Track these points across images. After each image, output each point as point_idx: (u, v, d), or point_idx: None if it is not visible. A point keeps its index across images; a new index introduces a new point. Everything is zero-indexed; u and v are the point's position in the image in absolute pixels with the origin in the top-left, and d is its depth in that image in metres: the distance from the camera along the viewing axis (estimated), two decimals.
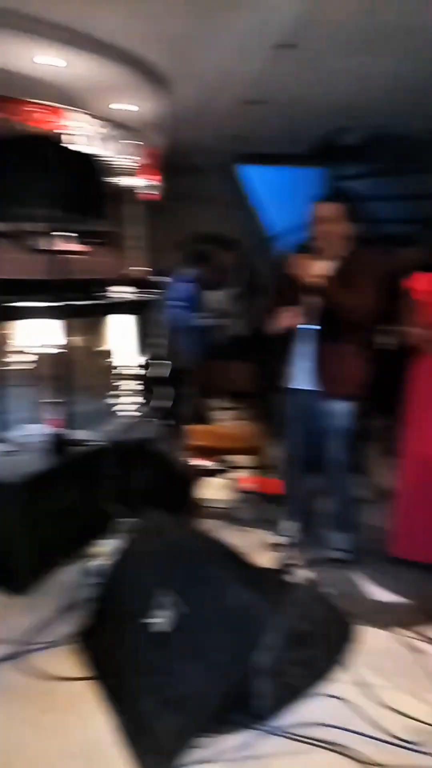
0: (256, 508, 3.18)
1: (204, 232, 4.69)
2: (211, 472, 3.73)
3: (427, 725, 1.78)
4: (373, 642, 2.14)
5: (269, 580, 2.14)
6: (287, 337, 2.58)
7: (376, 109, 4.70)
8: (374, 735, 1.74)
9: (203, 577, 1.89)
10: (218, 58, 3.57)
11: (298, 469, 2.86)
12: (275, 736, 1.74)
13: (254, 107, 4.48)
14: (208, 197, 6.50)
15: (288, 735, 1.74)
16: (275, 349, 2.61)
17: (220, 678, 1.74)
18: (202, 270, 4.33)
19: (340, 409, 2.62)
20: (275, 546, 2.77)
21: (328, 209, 2.50)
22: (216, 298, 4.34)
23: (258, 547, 2.78)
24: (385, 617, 2.30)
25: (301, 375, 2.60)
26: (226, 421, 4.27)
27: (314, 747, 1.70)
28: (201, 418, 3.91)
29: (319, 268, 2.48)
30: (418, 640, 2.18)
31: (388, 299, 2.56)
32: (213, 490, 3.52)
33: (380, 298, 2.50)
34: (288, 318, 2.49)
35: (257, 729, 1.75)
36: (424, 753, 1.68)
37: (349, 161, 6.09)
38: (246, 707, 1.78)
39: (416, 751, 1.69)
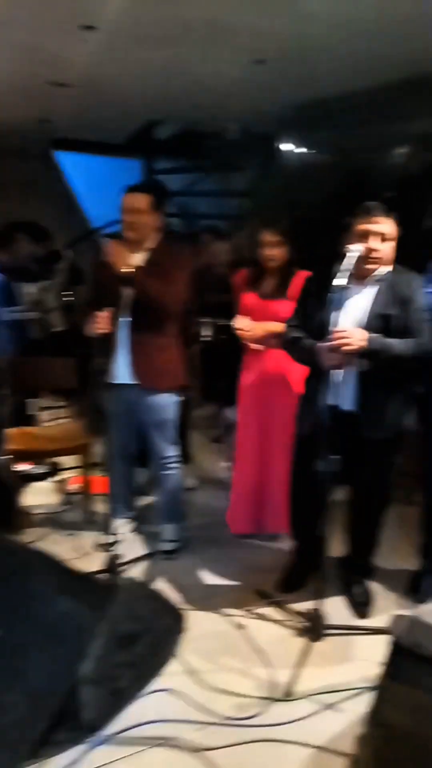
0: (83, 510, 3.07)
1: (13, 220, 4.37)
2: (36, 477, 3.53)
3: (253, 698, 1.87)
4: (201, 627, 2.19)
5: (92, 585, 2.06)
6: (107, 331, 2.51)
7: (185, 105, 4.78)
8: (204, 720, 1.78)
9: (18, 594, 1.75)
10: (20, 33, 3.33)
11: (124, 464, 2.82)
12: (106, 745, 1.68)
13: (60, 90, 4.28)
14: (24, 183, 6.11)
15: (118, 740, 1.70)
16: (96, 344, 2.52)
17: (43, 700, 1.62)
18: (6, 259, 4.02)
19: (161, 401, 2.62)
20: (104, 546, 2.69)
21: (136, 200, 2.47)
22: (30, 290, 4.08)
23: (87, 550, 2.69)
24: (214, 601, 2.37)
25: (122, 369, 2.55)
26: (50, 421, 4.07)
27: (146, 747, 1.69)
28: (22, 420, 3.65)
29: (131, 259, 2.45)
30: (244, 617, 2.28)
31: (198, 291, 2.61)
32: (39, 496, 3.33)
33: (190, 289, 2.55)
34: (101, 323, 2.42)
35: (87, 742, 1.68)
36: (252, 726, 1.76)
37: (163, 155, 6.15)
38: (75, 721, 1.70)
39: (245, 725, 1.76)
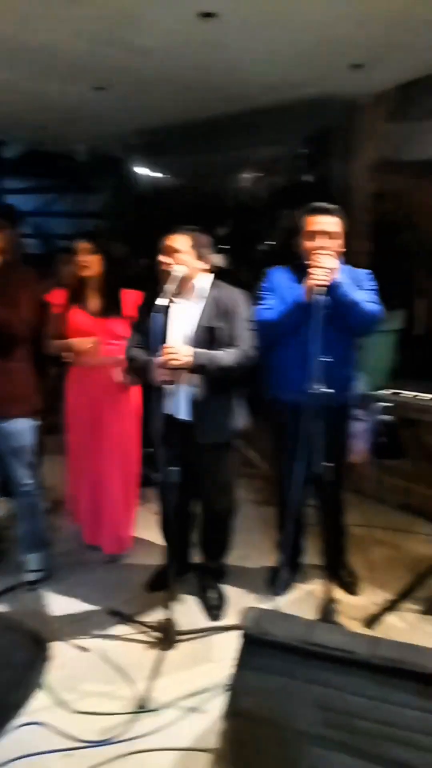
0: None
1: None
2: None
3: (120, 716, 1.88)
4: (65, 655, 2.16)
5: None
6: None
7: (29, 125, 4.73)
8: (70, 746, 1.76)
9: None
10: None
11: None
12: None
13: None
14: None
15: None
16: None
17: None
18: None
19: (16, 428, 2.55)
20: None
21: None
22: None
23: None
24: (77, 626, 2.34)
25: None
26: None
27: None
28: None
29: None
30: (103, 639, 2.28)
31: (42, 314, 2.60)
32: None
33: (38, 312, 2.53)
34: None
35: None
36: (120, 742, 1.78)
37: (11, 175, 6.00)
38: None
39: (112, 743, 1.77)
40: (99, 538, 2.84)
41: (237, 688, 1.58)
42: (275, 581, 2.60)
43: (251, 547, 2.96)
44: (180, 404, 2.26)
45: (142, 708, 1.90)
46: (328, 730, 1.45)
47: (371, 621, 2.37)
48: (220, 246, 6.20)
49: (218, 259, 6.14)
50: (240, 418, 2.42)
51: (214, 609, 2.47)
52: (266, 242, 5.44)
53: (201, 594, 2.54)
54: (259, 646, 1.58)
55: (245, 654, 1.60)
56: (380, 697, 1.45)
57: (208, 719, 1.85)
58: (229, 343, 2.26)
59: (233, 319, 2.28)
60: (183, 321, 2.28)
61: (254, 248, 5.64)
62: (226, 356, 2.22)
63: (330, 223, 2.35)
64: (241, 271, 4.83)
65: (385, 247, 4.95)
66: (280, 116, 4.51)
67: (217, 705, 1.86)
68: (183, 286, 2.23)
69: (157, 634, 2.22)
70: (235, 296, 2.34)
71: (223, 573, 2.62)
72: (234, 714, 1.56)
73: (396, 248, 5.43)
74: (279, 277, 2.50)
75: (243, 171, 5.87)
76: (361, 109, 4.14)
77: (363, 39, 3.17)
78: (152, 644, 2.21)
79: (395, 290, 5.35)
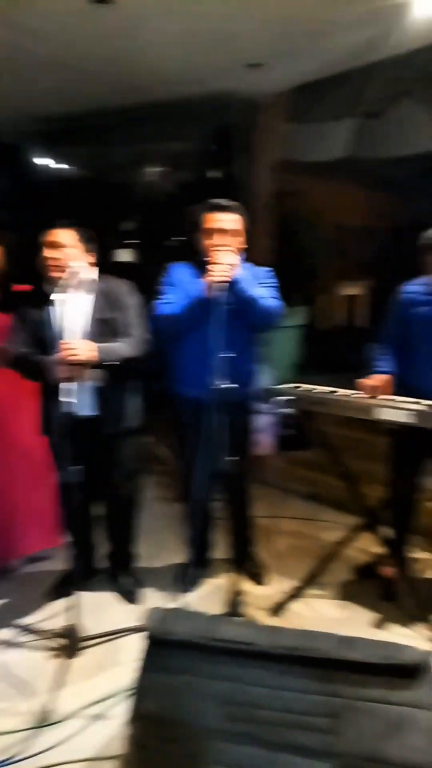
0: None
1: None
2: None
3: (21, 732, 1.80)
4: None
5: None
6: None
7: None
8: None
9: None
10: None
11: None
12: None
13: None
14: None
15: None
16: None
17: None
18: None
19: None
20: None
21: None
22: None
23: None
24: None
25: None
26: None
27: None
28: None
29: None
30: (4, 652, 2.18)
31: None
32: None
33: None
34: None
35: None
36: (22, 760, 1.69)
37: None
38: None
39: (10, 763, 1.68)
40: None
41: (141, 690, 1.55)
42: (184, 578, 2.60)
43: (160, 545, 2.94)
44: (82, 400, 2.20)
45: (44, 721, 1.82)
46: (231, 723, 1.46)
47: (277, 609, 2.43)
48: (127, 241, 6.11)
49: (125, 254, 6.04)
50: (139, 406, 2.45)
51: (129, 594, 2.50)
52: (174, 238, 5.42)
53: (114, 583, 2.55)
54: (163, 647, 1.56)
55: (149, 655, 1.57)
56: (281, 685, 1.48)
57: (113, 726, 1.80)
58: (123, 333, 2.27)
59: (124, 309, 2.31)
60: (76, 315, 2.22)
61: (162, 244, 5.60)
62: (124, 347, 2.23)
63: (229, 220, 2.36)
64: (148, 267, 4.79)
65: (288, 245, 5.09)
66: (183, 111, 4.49)
67: (122, 710, 1.82)
68: (73, 280, 2.18)
69: (60, 641, 2.14)
70: (122, 287, 2.36)
71: (132, 557, 2.63)
72: (138, 717, 1.53)
73: (298, 246, 5.61)
74: (180, 272, 2.48)
75: (149, 165, 5.80)
76: (261, 109, 4.22)
77: (261, 38, 3.22)
78: (56, 652, 2.13)
79: (298, 287, 5.55)
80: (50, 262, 2.23)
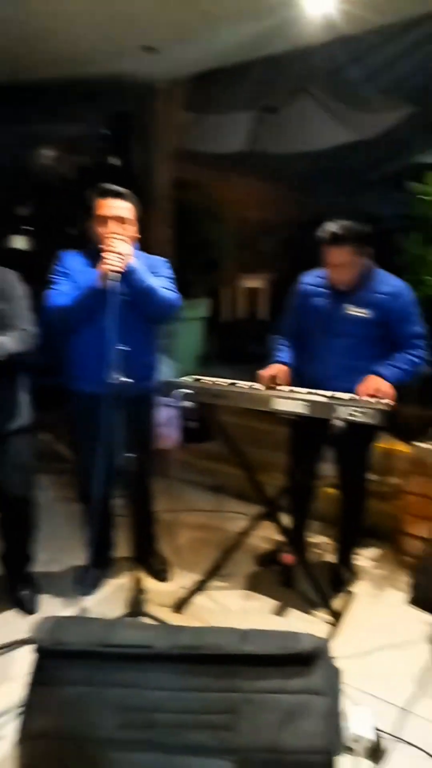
0: None
1: None
2: None
3: None
4: None
5: None
6: None
7: None
8: None
9: None
10: None
11: None
12: None
13: None
14: None
15: None
16: None
17: None
18: None
19: None
20: None
21: None
22: None
23: None
24: None
25: None
26: None
27: None
28: None
29: None
30: None
31: None
32: None
33: None
34: None
35: None
36: None
37: None
38: None
39: None
40: None
41: (29, 707, 1.45)
42: (84, 581, 2.50)
43: (59, 548, 2.81)
44: None
45: None
46: (128, 731, 1.41)
47: (180, 605, 2.40)
48: (21, 227, 5.77)
49: (19, 241, 5.71)
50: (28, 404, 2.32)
51: (26, 602, 2.37)
52: (72, 225, 5.20)
53: (9, 590, 2.41)
54: (54, 658, 1.47)
55: (38, 669, 1.48)
56: (179, 686, 1.45)
57: (3, 747, 1.68)
58: (10, 326, 2.11)
59: (11, 300, 2.15)
60: None
61: (60, 231, 5.35)
62: (10, 341, 2.07)
63: (121, 207, 2.27)
64: (44, 255, 4.55)
65: (188, 236, 5.06)
66: (79, 92, 4.30)
67: (13, 728, 1.71)
68: None
69: None
70: (9, 276, 2.20)
71: (29, 562, 2.48)
72: (27, 737, 1.44)
73: (198, 238, 5.59)
74: (73, 261, 2.36)
75: (45, 147, 5.52)
76: (158, 96, 4.13)
77: (158, 21, 3.14)
78: None
79: (200, 279, 5.54)
80: None
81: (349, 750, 1.66)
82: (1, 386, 2.17)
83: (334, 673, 1.54)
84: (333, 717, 1.44)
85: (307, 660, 1.46)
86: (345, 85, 4.28)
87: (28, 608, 2.35)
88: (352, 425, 2.02)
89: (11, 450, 2.27)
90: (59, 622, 1.56)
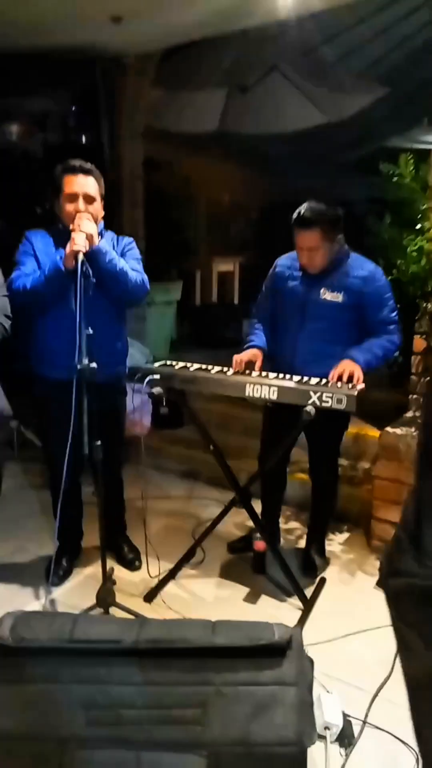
0: None
1: None
2: None
3: None
4: None
5: None
6: None
7: None
8: None
9: None
10: None
11: None
12: None
13: None
14: None
15: None
16: None
17: None
18: None
19: None
20: None
21: None
22: None
23: None
24: None
25: None
26: None
27: None
28: None
29: None
30: None
31: None
32: None
33: None
34: None
35: None
36: None
37: None
38: None
39: None
40: None
41: None
42: (53, 571, 2.43)
43: (27, 537, 2.74)
44: None
45: None
46: (93, 728, 1.36)
47: (150, 595, 2.37)
48: None
49: None
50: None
51: None
52: (38, 203, 5.02)
53: None
54: (15, 656, 1.41)
55: (0, 667, 1.42)
56: (147, 681, 1.41)
57: None
58: None
59: None
60: None
61: (28, 210, 5.17)
62: None
63: (87, 184, 2.17)
64: (10, 235, 4.39)
65: (162, 218, 4.94)
66: (45, 65, 4.12)
67: None
68: None
69: None
70: None
71: None
72: None
73: (170, 220, 5.48)
74: (39, 240, 2.26)
75: (9, 123, 5.31)
76: (127, 70, 3.99)
77: None
78: None
79: (173, 262, 5.44)
80: None
81: (320, 737, 1.66)
82: None
83: (305, 663, 1.52)
84: (304, 707, 1.42)
85: (278, 651, 1.43)
86: (317, 65, 4.20)
87: None
88: (322, 411, 1.99)
89: None
90: (21, 618, 1.50)
